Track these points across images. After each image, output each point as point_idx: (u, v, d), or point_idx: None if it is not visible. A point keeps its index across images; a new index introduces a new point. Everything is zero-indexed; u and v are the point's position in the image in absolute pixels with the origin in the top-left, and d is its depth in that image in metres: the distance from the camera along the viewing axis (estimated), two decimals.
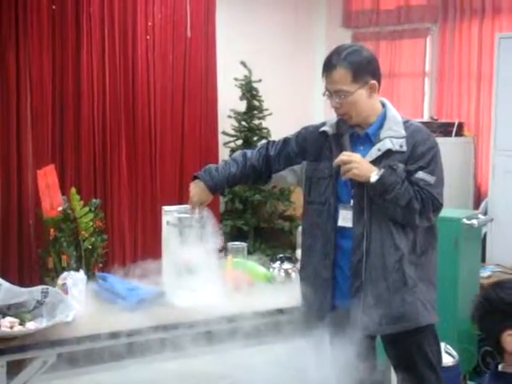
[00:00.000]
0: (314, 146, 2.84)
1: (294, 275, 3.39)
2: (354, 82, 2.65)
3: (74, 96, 5.49)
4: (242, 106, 6.46)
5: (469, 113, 6.35)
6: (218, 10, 6.33)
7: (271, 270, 3.46)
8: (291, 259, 3.54)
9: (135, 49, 5.78)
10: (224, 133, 6.42)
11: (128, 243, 5.79)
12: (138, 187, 5.87)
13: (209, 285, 2.96)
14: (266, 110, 6.48)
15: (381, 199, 2.63)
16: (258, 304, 2.98)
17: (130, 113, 5.80)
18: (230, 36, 6.45)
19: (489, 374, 2.25)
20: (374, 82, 2.70)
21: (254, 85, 6.40)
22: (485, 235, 5.23)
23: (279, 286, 3.31)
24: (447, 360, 3.50)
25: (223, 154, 6.29)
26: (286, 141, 2.96)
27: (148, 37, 5.86)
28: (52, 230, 4.72)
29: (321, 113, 6.62)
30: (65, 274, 2.96)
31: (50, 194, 4.76)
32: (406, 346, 2.74)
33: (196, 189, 2.96)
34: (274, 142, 3.00)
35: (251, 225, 6.33)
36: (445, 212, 2.78)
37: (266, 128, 6.47)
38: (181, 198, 5.87)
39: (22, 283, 4.04)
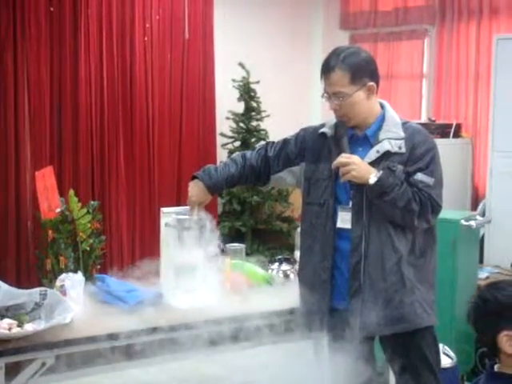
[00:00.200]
0: (312, 148, 2.84)
1: (293, 276, 3.39)
2: (353, 84, 2.66)
3: (72, 98, 5.49)
4: (239, 108, 6.46)
5: (466, 114, 6.36)
6: (216, 11, 6.34)
7: (269, 271, 3.46)
8: (289, 260, 3.54)
9: (133, 50, 5.79)
10: (222, 134, 6.42)
11: (126, 245, 5.79)
12: (136, 189, 5.87)
13: (207, 286, 2.96)
14: (264, 111, 6.49)
15: (379, 201, 2.63)
16: (256, 305, 2.97)
17: (128, 114, 5.80)
18: (227, 37, 6.45)
19: (484, 375, 2.25)
20: (372, 83, 2.70)
21: (252, 86, 6.40)
22: (482, 236, 5.23)
23: (277, 288, 3.31)
24: (445, 361, 3.49)
25: (221, 155, 6.30)
26: (285, 142, 2.96)
27: (146, 38, 5.86)
28: (50, 232, 4.72)
29: (318, 114, 6.62)
30: (63, 275, 2.95)
31: (48, 195, 4.76)
32: (405, 348, 2.74)
33: (195, 188, 2.96)
34: (273, 143, 3.00)
35: (249, 226, 6.33)
36: (442, 213, 2.78)
37: (263, 129, 6.48)
38: (179, 199, 5.87)
39: (19, 285, 4.03)
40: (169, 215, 3.10)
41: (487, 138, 5.69)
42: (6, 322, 2.58)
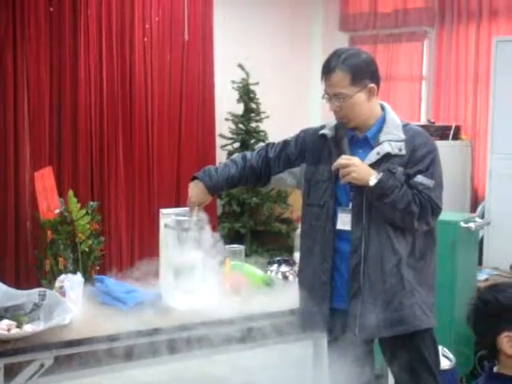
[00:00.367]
0: (313, 149, 2.84)
1: (292, 278, 3.39)
2: (353, 85, 2.65)
3: (72, 98, 5.49)
4: (239, 109, 6.47)
5: (466, 116, 6.36)
6: (216, 12, 6.34)
7: (269, 272, 3.46)
8: (289, 262, 3.54)
9: (132, 51, 5.78)
10: (221, 135, 6.42)
11: (125, 246, 5.78)
12: (135, 190, 5.87)
13: (206, 287, 2.95)
14: (264, 112, 6.49)
15: (379, 203, 2.63)
16: (255, 307, 2.97)
17: (128, 115, 5.80)
18: (227, 39, 6.45)
19: (483, 376, 2.25)
20: (372, 85, 2.70)
21: (252, 87, 6.41)
22: (482, 238, 5.23)
23: (277, 289, 3.30)
24: (444, 363, 3.49)
25: (220, 156, 6.30)
26: (285, 143, 2.96)
27: (145, 39, 5.86)
28: (49, 233, 4.72)
29: (318, 115, 6.62)
30: (62, 276, 2.95)
31: (48, 196, 4.76)
32: (404, 350, 2.73)
33: (195, 189, 2.95)
34: (273, 144, 2.99)
35: (248, 227, 6.33)
36: (442, 215, 2.77)
37: (263, 131, 6.48)
38: (178, 200, 5.87)
39: (18, 285, 4.02)
40: (168, 216, 3.09)
41: (486, 140, 5.69)
42: (5, 322, 2.57)
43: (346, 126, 2.74)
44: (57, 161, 5.43)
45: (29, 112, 5.32)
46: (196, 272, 2.93)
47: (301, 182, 2.89)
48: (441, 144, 4.56)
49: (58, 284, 2.90)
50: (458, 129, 6.18)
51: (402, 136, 2.69)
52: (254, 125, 6.48)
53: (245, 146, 6.33)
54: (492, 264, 5.14)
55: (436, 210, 2.67)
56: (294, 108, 6.98)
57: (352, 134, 2.76)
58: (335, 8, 7.22)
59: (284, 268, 3.48)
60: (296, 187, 3.01)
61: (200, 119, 6.29)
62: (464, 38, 6.35)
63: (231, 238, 5.92)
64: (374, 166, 2.65)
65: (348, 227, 2.69)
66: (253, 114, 6.48)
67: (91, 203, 4.98)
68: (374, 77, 2.72)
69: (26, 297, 2.68)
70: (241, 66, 6.31)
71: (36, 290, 2.70)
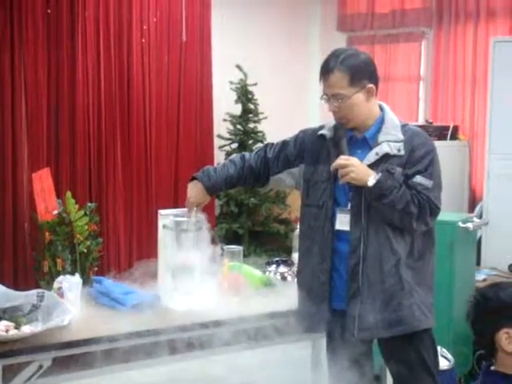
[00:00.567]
0: (311, 149, 2.84)
1: (290, 279, 3.39)
2: (352, 86, 2.65)
3: (69, 99, 5.49)
4: (237, 110, 6.47)
5: (464, 116, 6.37)
6: (213, 13, 6.34)
7: (267, 273, 3.46)
8: (287, 262, 3.54)
9: (130, 52, 5.78)
10: (219, 136, 6.42)
11: (123, 247, 5.78)
12: (133, 191, 5.87)
13: (205, 288, 2.95)
14: (262, 113, 6.49)
15: (378, 203, 2.63)
16: (254, 307, 2.97)
17: (125, 116, 5.80)
18: (225, 40, 6.45)
19: (481, 374, 2.26)
20: (371, 85, 2.70)
21: (250, 88, 6.41)
22: (480, 238, 5.24)
23: (275, 290, 3.30)
24: (443, 363, 3.49)
25: (218, 157, 6.30)
26: (284, 143, 2.95)
27: (143, 40, 5.86)
28: (47, 234, 4.71)
29: (316, 116, 6.62)
30: (61, 277, 2.94)
31: (45, 197, 4.75)
32: (403, 350, 2.74)
33: (194, 189, 2.95)
34: (272, 144, 2.99)
35: (246, 228, 6.33)
36: (440, 215, 2.77)
37: (261, 131, 6.49)
38: (176, 201, 5.87)
39: (16, 287, 4.00)
40: (166, 217, 3.09)
41: (484, 141, 5.71)
42: (3, 323, 2.57)
43: (344, 126, 2.74)
44: (55, 162, 5.43)
45: (27, 113, 5.32)
46: (194, 273, 2.93)
47: (299, 182, 2.89)
48: (439, 144, 4.56)
49: (56, 285, 2.90)
50: (455, 129, 6.18)
51: (401, 136, 2.70)
52: (252, 125, 6.48)
53: (243, 146, 6.33)
54: (490, 264, 5.14)
55: (434, 210, 2.67)
56: (293, 108, 6.99)
57: (351, 135, 2.76)
58: (333, 8, 7.23)
59: (282, 268, 3.48)
60: (295, 188, 3.01)
61: (198, 120, 6.29)
62: (462, 38, 6.36)
63: (229, 238, 5.92)
64: (372, 166, 2.65)
65: (347, 227, 2.69)
66: (251, 115, 6.48)
67: (89, 204, 4.97)
68: (373, 77, 2.72)
69: (24, 298, 2.67)
70: (239, 67, 6.31)
71: (34, 291, 2.69)
